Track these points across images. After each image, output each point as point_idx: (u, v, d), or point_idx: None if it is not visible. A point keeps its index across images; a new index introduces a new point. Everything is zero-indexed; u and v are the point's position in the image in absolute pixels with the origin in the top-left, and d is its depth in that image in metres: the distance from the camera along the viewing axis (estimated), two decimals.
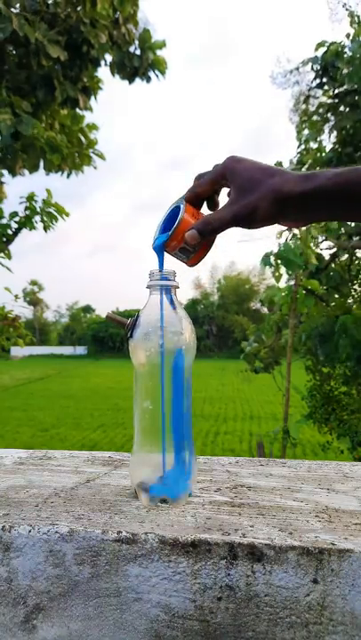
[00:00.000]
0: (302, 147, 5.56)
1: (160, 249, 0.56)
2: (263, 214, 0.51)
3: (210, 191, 0.56)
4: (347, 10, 5.15)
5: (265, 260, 3.39)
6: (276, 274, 3.47)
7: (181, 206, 0.55)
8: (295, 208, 0.51)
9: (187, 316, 0.57)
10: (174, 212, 0.56)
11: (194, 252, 0.56)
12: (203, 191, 0.56)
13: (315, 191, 0.49)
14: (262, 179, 0.51)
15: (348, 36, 4.83)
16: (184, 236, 0.54)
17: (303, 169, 5.51)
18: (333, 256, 4.72)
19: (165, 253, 0.57)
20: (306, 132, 5.48)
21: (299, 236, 3.43)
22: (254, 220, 0.52)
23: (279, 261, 3.35)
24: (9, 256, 3.45)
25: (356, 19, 4.98)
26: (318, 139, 5.40)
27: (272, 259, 3.39)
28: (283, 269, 3.43)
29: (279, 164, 5.64)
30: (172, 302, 0.57)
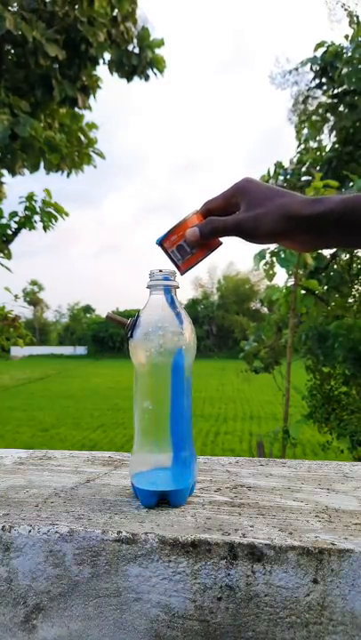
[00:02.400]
0: (302, 146, 5.56)
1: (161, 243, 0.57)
2: (268, 228, 0.51)
3: (221, 207, 0.56)
4: (345, 10, 5.15)
5: (261, 254, 3.38)
6: (270, 272, 3.46)
7: (191, 212, 0.56)
8: (302, 229, 0.51)
9: (187, 316, 0.57)
10: None
11: (190, 253, 0.56)
12: (215, 206, 0.56)
13: (324, 214, 0.50)
14: (272, 196, 0.52)
15: (346, 37, 4.83)
16: (185, 234, 0.55)
17: (303, 168, 5.51)
18: (333, 256, 4.72)
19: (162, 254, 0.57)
20: (305, 131, 5.48)
21: None
22: (258, 231, 0.52)
23: (274, 259, 3.35)
24: (8, 256, 3.45)
25: (355, 19, 4.99)
26: (318, 138, 5.40)
27: (267, 255, 3.38)
28: (277, 268, 3.42)
29: (280, 164, 5.65)
30: (172, 302, 0.57)
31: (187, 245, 0.56)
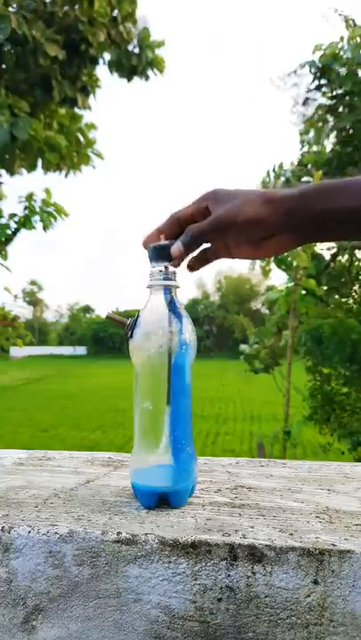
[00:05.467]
0: (305, 149, 5.56)
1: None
2: (249, 213, 0.49)
3: (190, 215, 0.54)
4: (340, 15, 5.15)
5: None
6: (267, 268, 3.46)
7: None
8: (283, 212, 0.49)
9: (187, 316, 0.57)
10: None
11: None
12: (183, 215, 0.55)
13: (294, 195, 0.49)
14: (246, 191, 0.51)
15: (341, 38, 4.84)
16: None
17: (303, 169, 5.51)
18: (334, 256, 4.72)
19: None
20: (311, 134, 5.48)
21: None
22: (239, 219, 0.49)
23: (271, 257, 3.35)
24: (5, 257, 3.44)
25: (350, 22, 5.00)
26: (321, 139, 5.40)
27: None
28: (274, 266, 3.43)
29: (280, 165, 5.64)
30: (172, 302, 0.57)
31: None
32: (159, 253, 0.56)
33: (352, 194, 0.47)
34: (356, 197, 0.47)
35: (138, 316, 0.57)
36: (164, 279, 0.56)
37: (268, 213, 0.49)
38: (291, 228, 0.50)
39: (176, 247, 0.53)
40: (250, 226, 0.50)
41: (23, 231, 3.48)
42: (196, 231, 0.52)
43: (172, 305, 0.56)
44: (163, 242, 0.56)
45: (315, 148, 5.33)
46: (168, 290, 0.57)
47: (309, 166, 5.26)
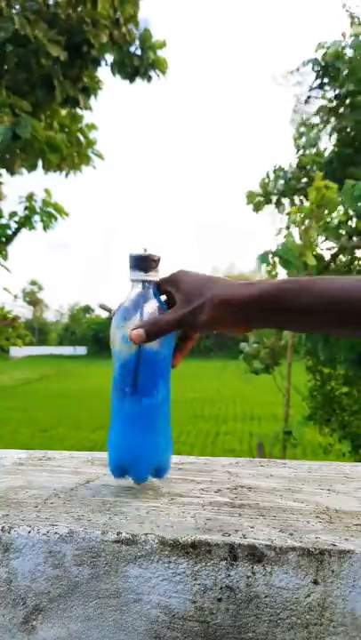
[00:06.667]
0: (300, 152, 5.56)
1: None
2: (205, 317, 0.54)
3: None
4: (347, 11, 5.13)
5: (263, 258, 3.40)
6: (273, 272, 3.48)
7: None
8: (235, 313, 0.54)
9: (163, 307, 0.59)
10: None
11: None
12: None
13: (256, 297, 0.53)
14: (206, 287, 0.55)
15: (343, 35, 4.83)
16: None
17: (302, 171, 5.51)
18: (334, 256, 4.72)
19: None
20: (304, 138, 5.48)
21: (299, 236, 3.43)
22: (197, 323, 0.55)
23: (277, 260, 3.36)
24: (5, 257, 3.45)
25: (356, 20, 4.99)
26: (316, 142, 5.40)
27: (270, 257, 3.40)
28: (279, 269, 3.43)
29: (280, 168, 5.64)
30: (150, 294, 0.59)
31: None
32: (137, 264, 0.59)
33: (313, 296, 0.52)
34: (313, 300, 0.52)
35: (120, 305, 0.60)
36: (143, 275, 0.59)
37: (221, 316, 0.54)
38: (246, 325, 0.57)
39: (137, 334, 0.56)
40: (210, 327, 0.56)
41: (23, 231, 3.48)
42: (163, 327, 0.56)
43: (145, 297, 0.59)
44: (144, 253, 0.59)
45: (312, 150, 5.33)
46: (146, 284, 0.59)
47: (308, 167, 5.26)
